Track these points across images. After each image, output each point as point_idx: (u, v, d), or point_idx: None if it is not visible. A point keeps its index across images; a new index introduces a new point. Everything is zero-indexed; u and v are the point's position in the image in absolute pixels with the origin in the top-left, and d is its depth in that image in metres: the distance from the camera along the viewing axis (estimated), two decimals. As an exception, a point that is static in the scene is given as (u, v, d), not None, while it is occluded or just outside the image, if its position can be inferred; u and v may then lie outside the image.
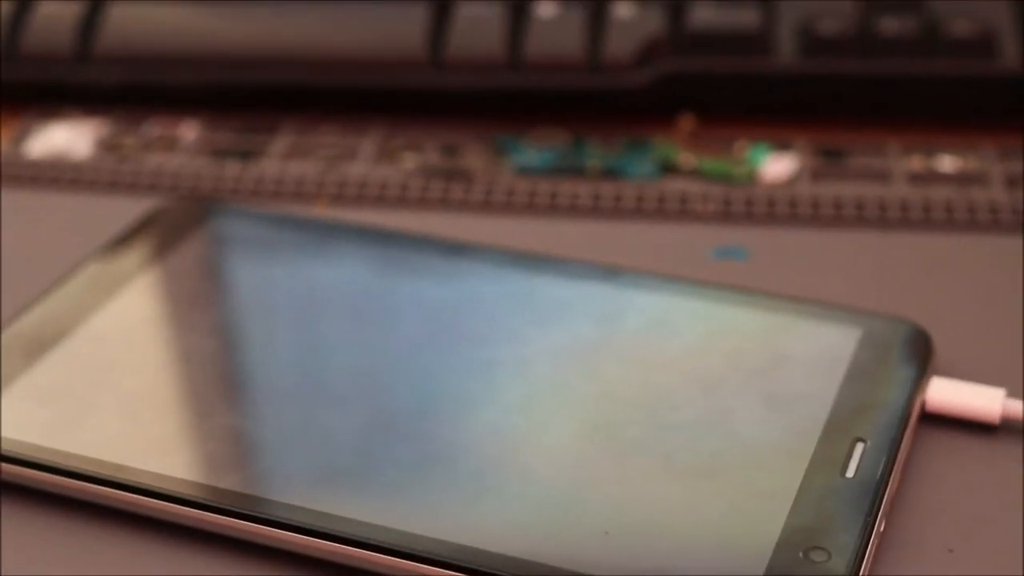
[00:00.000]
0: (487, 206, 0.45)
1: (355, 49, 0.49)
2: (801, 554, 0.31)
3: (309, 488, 0.34)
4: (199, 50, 0.49)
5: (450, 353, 0.38)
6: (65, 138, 0.49)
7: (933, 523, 0.33)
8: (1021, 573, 0.32)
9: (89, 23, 0.50)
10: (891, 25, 0.47)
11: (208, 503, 0.33)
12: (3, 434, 0.35)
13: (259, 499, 0.33)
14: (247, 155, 0.48)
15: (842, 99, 0.48)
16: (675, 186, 0.45)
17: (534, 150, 0.47)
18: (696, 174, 0.46)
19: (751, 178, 0.46)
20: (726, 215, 0.44)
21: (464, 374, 0.37)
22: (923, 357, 0.36)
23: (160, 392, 0.37)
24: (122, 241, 0.42)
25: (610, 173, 0.46)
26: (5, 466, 0.34)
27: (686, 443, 0.34)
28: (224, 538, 0.33)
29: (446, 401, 0.36)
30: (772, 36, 0.47)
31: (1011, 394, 0.36)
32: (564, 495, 0.33)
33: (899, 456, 0.34)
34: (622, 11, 0.48)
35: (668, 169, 0.46)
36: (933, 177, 0.45)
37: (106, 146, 0.49)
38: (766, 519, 0.32)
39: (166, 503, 0.33)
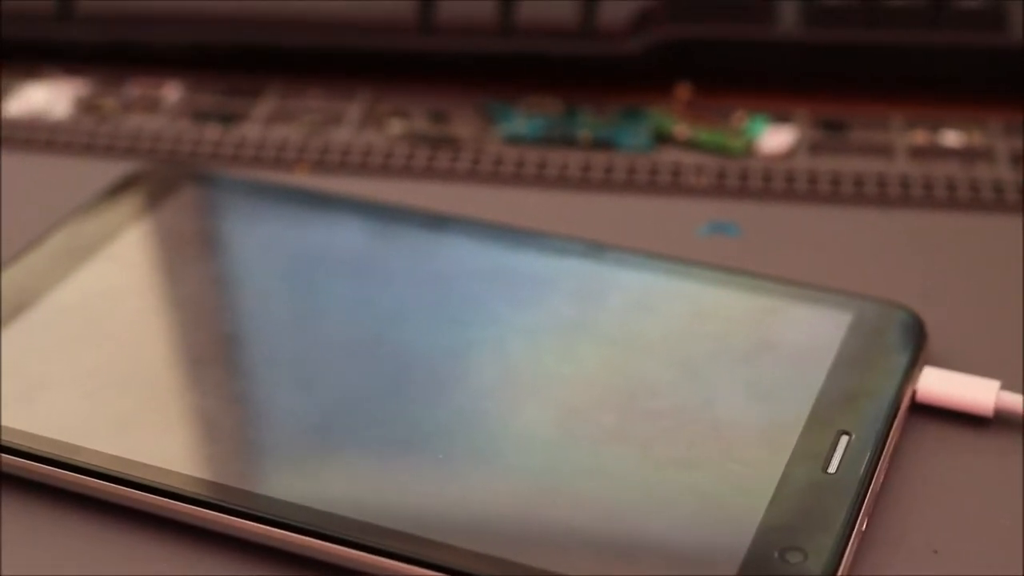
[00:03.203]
0: (473, 175, 0.43)
1: (345, 11, 0.47)
2: (776, 554, 0.29)
3: (268, 474, 0.32)
4: (184, 9, 0.48)
5: (424, 333, 0.36)
6: (44, 98, 0.48)
7: (919, 522, 0.32)
8: (1008, 577, 0.30)
9: (70, -21, 0.48)
10: (897, -6, 0.45)
11: (156, 486, 0.32)
12: None
13: (215, 485, 0.32)
14: (230, 118, 0.47)
15: (845, 70, 0.46)
16: (668, 157, 0.44)
17: (524, 118, 0.46)
18: (691, 145, 0.44)
19: (748, 150, 0.44)
20: (720, 189, 0.43)
21: (436, 355, 0.35)
22: (916, 345, 0.35)
23: (124, 366, 0.35)
24: (95, 206, 0.41)
25: (602, 143, 0.45)
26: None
27: (662, 432, 0.33)
28: (178, 523, 0.32)
29: (416, 383, 0.35)
30: (774, 3, 0.45)
31: (1007, 386, 0.34)
32: (533, 486, 0.32)
33: (885, 450, 0.32)
34: (618, -26, 0.46)
35: (662, 139, 0.45)
36: (936, 152, 0.44)
37: (85, 106, 0.47)
38: (742, 516, 0.30)
39: (123, 487, 0.32)
